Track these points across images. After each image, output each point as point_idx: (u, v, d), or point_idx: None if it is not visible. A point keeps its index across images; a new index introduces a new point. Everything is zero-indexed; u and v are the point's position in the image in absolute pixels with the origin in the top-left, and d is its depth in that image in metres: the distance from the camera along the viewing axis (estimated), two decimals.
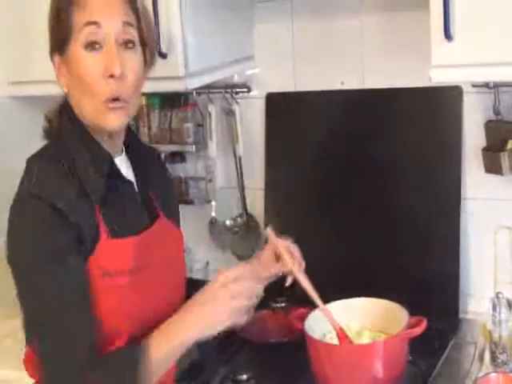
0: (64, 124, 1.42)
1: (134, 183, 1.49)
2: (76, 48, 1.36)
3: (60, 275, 1.32)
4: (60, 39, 1.37)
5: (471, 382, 1.55)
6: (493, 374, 1.55)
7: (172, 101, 2.21)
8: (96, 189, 1.37)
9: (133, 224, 1.44)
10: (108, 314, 1.37)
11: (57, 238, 1.32)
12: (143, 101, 2.22)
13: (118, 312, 1.38)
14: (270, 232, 1.65)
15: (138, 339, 1.37)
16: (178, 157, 2.26)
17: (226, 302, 1.36)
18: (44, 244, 1.32)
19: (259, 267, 1.62)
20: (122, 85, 1.36)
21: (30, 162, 1.40)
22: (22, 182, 1.38)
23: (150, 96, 2.20)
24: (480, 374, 1.60)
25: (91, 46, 1.35)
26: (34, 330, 1.38)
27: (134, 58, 1.40)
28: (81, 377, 1.31)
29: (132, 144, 1.52)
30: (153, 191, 1.53)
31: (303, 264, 1.63)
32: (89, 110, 1.38)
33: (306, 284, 1.62)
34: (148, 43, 1.45)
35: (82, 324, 1.33)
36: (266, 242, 1.66)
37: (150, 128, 2.24)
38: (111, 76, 1.35)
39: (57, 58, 1.40)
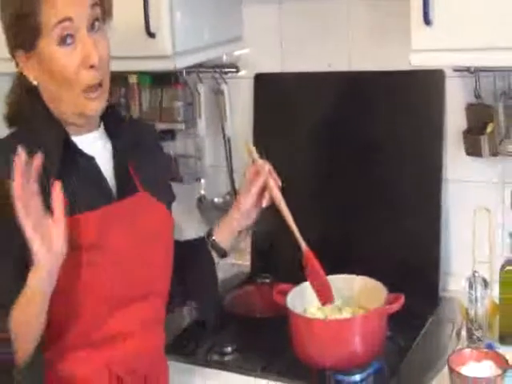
0: (31, 107, 1.42)
1: (104, 158, 1.46)
2: (48, 46, 1.34)
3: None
4: (26, 39, 1.35)
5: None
6: (466, 350, 1.60)
7: (162, 80, 2.23)
8: (52, 166, 1.36)
9: (94, 199, 1.41)
10: (66, 290, 1.35)
11: None
12: (134, 79, 2.25)
13: (77, 288, 1.37)
14: (249, 145, 1.68)
15: (104, 317, 1.40)
16: (169, 135, 2.28)
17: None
18: None
19: (241, 195, 1.67)
20: (101, 70, 1.38)
21: None
22: None
23: (140, 75, 2.22)
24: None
25: (64, 41, 1.34)
26: None
27: (103, 38, 1.40)
28: None
29: (109, 119, 1.50)
30: (135, 167, 1.51)
31: (279, 182, 1.66)
32: (68, 100, 1.38)
33: (280, 201, 1.64)
34: (106, 7, 1.43)
35: None
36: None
37: (140, 106, 2.26)
38: (91, 66, 1.36)
39: (21, 54, 1.38)
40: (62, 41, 1.34)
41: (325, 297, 1.69)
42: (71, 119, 1.42)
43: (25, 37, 1.35)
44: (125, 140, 1.50)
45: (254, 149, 1.68)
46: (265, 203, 1.66)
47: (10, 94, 1.46)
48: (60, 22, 1.33)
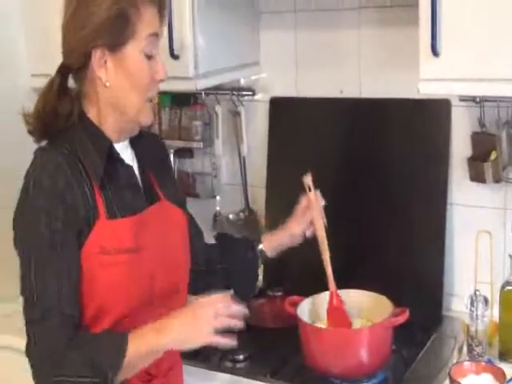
0: (74, 119, 1.49)
1: (134, 167, 1.56)
2: (135, 52, 1.45)
3: (53, 261, 1.40)
4: (117, 39, 1.43)
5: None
6: (466, 363, 1.68)
7: (182, 100, 2.33)
8: (96, 171, 1.45)
9: (131, 205, 1.50)
10: (103, 289, 1.44)
11: (53, 223, 1.39)
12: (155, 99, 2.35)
13: (114, 288, 1.45)
14: (308, 180, 1.80)
15: (125, 319, 1.46)
16: (187, 153, 2.38)
17: (208, 319, 1.40)
18: (41, 231, 1.39)
19: (294, 222, 1.82)
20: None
21: (36, 152, 1.48)
22: (27, 172, 1.45)
23: (161, 95, 2.31)
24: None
25: (149, 52, 1.47)
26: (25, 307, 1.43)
27: None
28: (60, 355, 1.36)
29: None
30: (154, 175, 1.61)
31: (325, 222, 1.81)
32: (133, 105, 1.49)
33: (322, 242, 1.78)
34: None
35: (67, 303, 1.40)
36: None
37: (160, 125, 2.36)
38: (160, 80, 1.51)
39: (99, 53, 1.44)
40: (148, 51, 1.47)
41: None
42: (123, 124, 1.52)
43: (116, 37, 1.44)
44: (144, 151, 1.60)
45: (311, 184, 1.81)
46: (308, 234, 1.82)
47: (39, 109, 1.49)
48: (151, 34, 1.47)
